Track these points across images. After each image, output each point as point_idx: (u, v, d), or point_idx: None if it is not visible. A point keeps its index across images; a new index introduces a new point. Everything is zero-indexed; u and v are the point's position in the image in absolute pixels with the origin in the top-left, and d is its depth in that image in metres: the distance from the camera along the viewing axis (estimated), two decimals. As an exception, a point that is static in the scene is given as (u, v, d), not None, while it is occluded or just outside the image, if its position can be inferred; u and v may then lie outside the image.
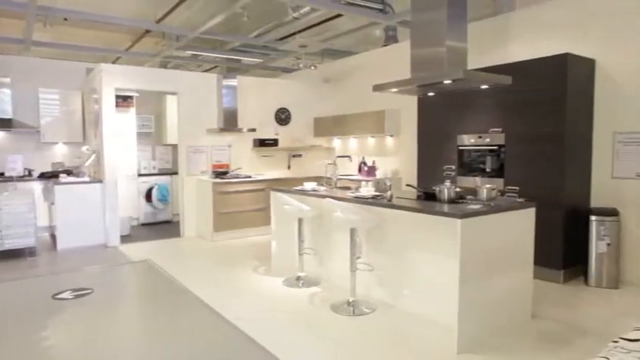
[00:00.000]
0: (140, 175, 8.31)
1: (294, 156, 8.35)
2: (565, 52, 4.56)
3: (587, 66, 4.69)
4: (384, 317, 3.67)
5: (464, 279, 3.04)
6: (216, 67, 10.24)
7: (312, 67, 8.68)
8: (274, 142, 7.85)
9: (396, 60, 6.38)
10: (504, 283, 3.38)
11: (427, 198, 3.78)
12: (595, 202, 4.76)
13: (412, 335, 3.33)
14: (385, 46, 7.62)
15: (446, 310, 3.19)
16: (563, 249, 4.49)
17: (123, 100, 7.79)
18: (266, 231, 6.69)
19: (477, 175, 5.17)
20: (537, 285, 4.33)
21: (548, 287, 4.40)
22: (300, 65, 8.92)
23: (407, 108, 6.68)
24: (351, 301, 3.86)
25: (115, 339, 3.42)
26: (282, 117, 8.19)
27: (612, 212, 4.42)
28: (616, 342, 1.90)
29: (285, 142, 8.11)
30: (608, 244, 4.36)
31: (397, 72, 5.34)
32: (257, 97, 7.89)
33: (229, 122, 7.39)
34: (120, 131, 7.22)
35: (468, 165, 5.35)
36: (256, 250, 6.14)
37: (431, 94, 4.67)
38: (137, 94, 7.97)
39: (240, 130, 7.40)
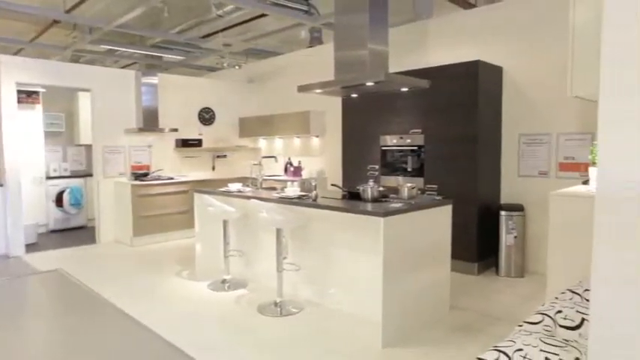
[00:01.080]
0: (49, 177, 7.67)
1: (218, 157, 8.16)
2: (476, 59, 4.89)
3: (495, 72, 5.05)
4: (311, 316, 3.69)
5: (387, 275, 3.14)
6: (134, 63, 9.73)
7: (237, 67, 8.54)
8: (198, 143, 7.61)
9: (320, 61, 6.46)
10: (425, 277, 3.54)
11: (351, 197, 3.87)
12: (504, 198, 5.15)
13: (338, 332, 3.38)
14: (310, 47, 7.69)
15: (371, 306, 3.28)
16: (478, 242, 4.80)
17: (27, 96, 7.15)
18: (190, 234, 6.47)
19: (399, 175, 5.39)
20: (455, 277, 4.59)
21: (465, 279, 4.68)
22: (225, 64, 8.73)
23: (332, 109, 6.79)
24: (278, 301, 3.84)
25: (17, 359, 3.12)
26: (206, 117, 7.97)
27: (519, 208, 4.81)
28: (521, 326, 2.06)
29: (209, 142, 7.89)
30: (515, 237, 4.74)
31: (322, 73, 5.41)
32: (179, 96, 7.61)
33: (149, 122, 7.05)
34: (24, 130, 6.61)
35: (391, 165, 5.55)
36: (180, 254, 5.91)
37: (354, 95, 4.78)
38: (44, 90, 7.35)
39: (161, 130, 7.09)
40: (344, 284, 3.74)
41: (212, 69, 9.80)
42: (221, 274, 4.62)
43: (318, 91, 4.24)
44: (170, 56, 8.95)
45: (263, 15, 6.71)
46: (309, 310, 3.81)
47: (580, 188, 3.38)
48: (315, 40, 7.77)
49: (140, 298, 4.22)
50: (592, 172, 3.30)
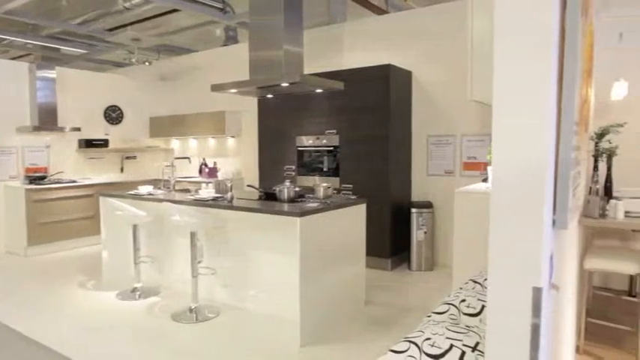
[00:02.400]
0: None
1: (127, 158, 7.68)
2: (388, 63, 5.10)
3: (405, 76, 5.31)
4: (229, 320, 3.61)
5: (304, 274, 3.16)
6: (28, 54, 8.84)
7: (147, 63, 8.11)
8: (104, 143, 7.10)
9: (236, 60, 6.35)
10: (341, 274, 3.61)
11: (268, 198, 3.84)
12: (415, 196, 5.42)
13: (257, 334, 3.34)
14: (225, 45, 7.53)
15: (289, 307, 3.28)
16: (391, 239, 5.01)
17: None
18: (96, 241, 6.03)
19: (315, 175, 5.46)
20: (369, 273, 4.75)
21: (379, 275, 4.86)
22: (133, 60, 8.25)
23: (248, 109, 6.70)
24: (193, 307, 3.70)
25: None
26: (113, 115, 7.48)
27: (428, 205, 5.09)
28: (429, 316, 2.17)
29: (116, 142, 7.40)
30: (425, 233, 5.02)
31: (237, 73, 5.32)
32: (82, 92, 7.05)
33: (47, 120, 6.44)
34: None
35: (308, 165, 5.60)
36: (84, 262, 5.48)
37: (270, 96, 4.77)
38: None
39: (61, 129, 6.51)
40: (262, 286, 3.70)
41: (119, 64, 9.21)
42: (131, 282, 4.35)
43: (233, 90, 4.16)
44: (70, 48, 8.27)
45: (175, 10, 6.45)
46: (226, 314, 3.72)
47: (480, 185, 3.66)
48: (231, 39, 7.63)
49: (38, 315, 3.84)
50: (489, 170, 3.59)
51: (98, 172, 7.22)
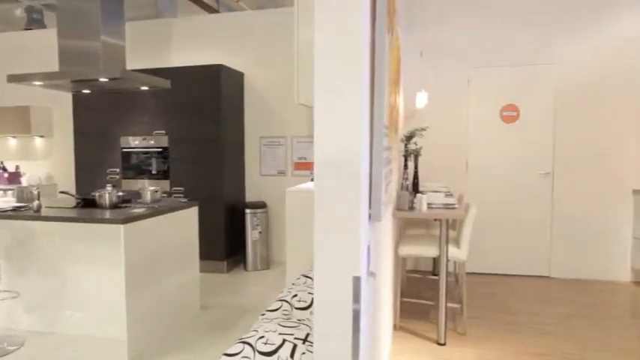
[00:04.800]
0: None
1: None
2: (220, 63, 5.03)
3: (237, 78, 5.30)
4: (37, 349, 3.11)
5: (131, 286, 2.91)
6: None
7: None
8: None
9: (42, 48, 5.52)
10: (173, 282, 3.43)
11: (86, 205, 3.43)
12: (249, 197, 5.46)
13: (75, 360, 2.95)
14: (27, 30, 6.48)
15: (114, 324, 2.98)
16: (226, 241, 4.95)
17: None
18: None
19: (144, 178, 5.08)
20: (205, 278, 4.63)
21: (215, 278, 4.76)
22: None
23: (61, 105, 5.89)
24: (-12, 340, 3.09)
25: None
26: None
27: (262, 205, 5.17)
28: (263, 314, 2.20)
29: None
30: (260, 232, 5.09)
31: (45, 62, 4.63)
32: None
33: None
34: None
35: (136, 167, 5.18)
36: None
37: (87, 91, 4.26)
38: None
39: None
40: (81, 304, 3.29)
41: None
42: None
43: (39, 83, 3.60)
44: None
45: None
46: (33, 342, 3.20)
47: (309, 184, 3.86)
48: (35, 22, 6.60)
49: None
50: (318, 170, 3.81)
51: None
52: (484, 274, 5.00)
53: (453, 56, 5.00)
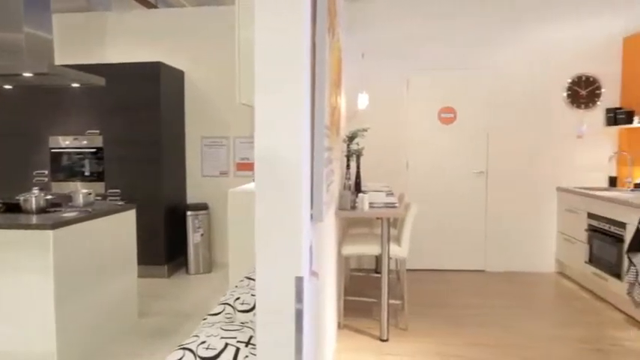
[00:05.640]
0: None
1: None
2: (158, 60, 4.85)
3: (178, 76, 5.14)
4: (-45, 368, 2.86)
5: (61, 296, 2.74)
6: None
7: None
8: None
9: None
10: (109, 289, 3.26)
11: (9, 210, 3.18)
12: (190, 198, 5.32)
13: (-2, 378, 2.74)
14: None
15: (42, 337, 2.79)
16: (166, 245, 4.79)
17: None
18: None
19: (76, 180, 4.82)
20: (144, 283, 4.45)
21: (155, 283, 4.59)
22: None
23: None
24: None
25: None
26: None
27: (204, 206, 5.05)
28: (205, 319, 2.15)
29: None
30: (202, 235, 4.97)
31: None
32: None
33: None
34: None
35: (67, 169, 4.88)
36: None
37: (8, 86, 3.96)
38: None
39: None
40: (7, 317, 3.04)
41: None
42: None
43: (-48, 77, 3.30)
44: None
45: None
46: (-50, 360, 2.93)
47: (251, 185, 3.82)
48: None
49: None
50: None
51: None
52: (424, 270, 5.18)
53: (393, 59, 5.14)
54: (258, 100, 1.41)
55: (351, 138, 4.08)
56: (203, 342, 1.81)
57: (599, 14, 4.89)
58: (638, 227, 3.47)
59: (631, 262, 3.50)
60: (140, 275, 3.73)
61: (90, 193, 3.38)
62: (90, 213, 3.07)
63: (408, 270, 5.08)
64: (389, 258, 3.35)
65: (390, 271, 3.40)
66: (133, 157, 4.71)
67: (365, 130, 4.19)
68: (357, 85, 5.12)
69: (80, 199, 3.30)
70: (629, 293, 3.56)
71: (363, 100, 5.02)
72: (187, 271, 4.96)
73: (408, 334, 3.43)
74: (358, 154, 4.11)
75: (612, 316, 3.77)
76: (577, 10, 4.90)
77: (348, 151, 4.08)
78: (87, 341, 3.01)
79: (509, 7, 4.97)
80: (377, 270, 5.04)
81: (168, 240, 4.84)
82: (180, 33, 5.24)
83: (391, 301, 3.50)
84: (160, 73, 4.69)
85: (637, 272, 3.45)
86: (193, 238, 4.91)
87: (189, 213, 4.91)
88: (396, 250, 3.45)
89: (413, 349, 3.20)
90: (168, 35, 5.26)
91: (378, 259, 4.98)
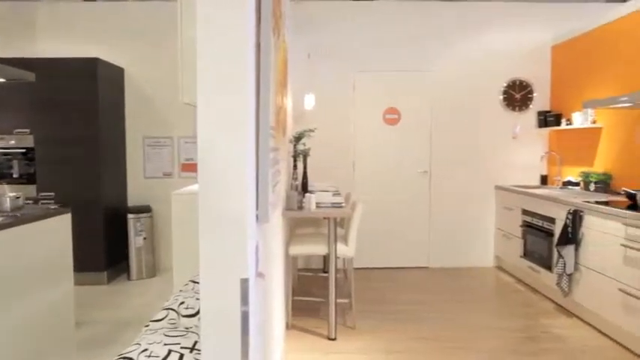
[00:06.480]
0: None
1: None
2: (96, 56, 4.62)
3: (117, 73, 4.92)
4: None
5: (-13, 307, 2.54)
6: None
7: None
8: None
9: None
10: (41, 299, 3.07)
11: None
12: (132, 201, 5.10)
13: None
14: None
15: (-36, 352, 2.57)
16: (105, 250, 4.57)
17: None
18: None
19: (2, 183, 4.48)
20: (81, 291, 4.23)
21: (93, 290, 4.36)
22: None
23: None
24: None
25: None
26: None
27: (146, 209, 4.87)
28: (147, 325, 2.08)
29: None
30: (145, 238, 4.79)
31: None
32: None
33: None
34: None
35: (-9, 171, 4.54)
36: None
37: None
38: None
39: None
40: None
41: None
42: None
43: None
44: None
45: None
46: None
47: (196, 187, 3.73)
48: None
49: None
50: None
51: None
52: (371, 268, 5.28)
53: (339, 60, 5.20)
54: (201, 100, 1.38)
55: (297, 138, 4.09)
56: (145, 350, 1.74)
57: (531, 24, 5.20)
58: (565, 222, 3.72)
59: (560, 255, 3.75)
60: (77, 283, 3.54)
61: (19, 197, 3.15)
62: (18, 218, 2.87)
63: (355, 269, 5.16)
64: (336, 257, 3.38)
65: (337, 270, 3.44)
66: (68, 158, 4.46)
67: (312, 130, 4.20)
68: (304, 86, 5.14)
69: (7, 203, 3.07)
70: (558, 284, 3.82)
71: (309, 101, 5.04)
72: (129, 277, 4.76)
73: (355, 333, 3.48)
74: (305, 155, 4.12)
75: (544, 306, 4.02)
76: (511, 19, 5.19)
77: (295, 151, 4.08)
78: (16, 357, 2.81)
79: (450, 15, 5.17)
80: (325, 269, 5.07)
81: (108, 245, 4.62)
82: (120, 28, 5.02)
83: (339, 300, 3.54)
84: (98, 70, 4.48)
85: (565, 264, 3.70)
86: (135, 242, 4.72)
87: (130, 216, 4.71)
88: (343, 250, 3.50)
89: (360, 346, 3.25)
90: (108, 30, 5.02)
91: (325, 259, 5.02)
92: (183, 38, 2.89)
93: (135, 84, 5.07)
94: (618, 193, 3.93)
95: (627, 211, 3.14)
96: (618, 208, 3.27)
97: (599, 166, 4.38)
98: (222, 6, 1.35)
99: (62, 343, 3.23)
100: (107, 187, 4.63)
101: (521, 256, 4.62)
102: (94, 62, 4.47)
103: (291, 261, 3.69)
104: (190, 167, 5.08)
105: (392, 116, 5.25)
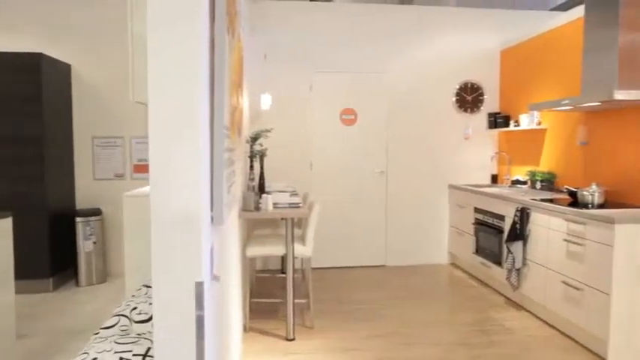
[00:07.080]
0: None
1: None
2: (39, 52, 4.39)
3: (63, 70, 4.69)
4: None
5: None
6: None
7: None
8: None
9: None
10: (-20, 309, 2.87)
11: None
12: (80, 203, 4.88)
13: None
14: None
15: None
16: (51, 255, 4.34)
17: None
18: None
19: None
20: (24, 300, 4.00)
21: (37, 299, 4.14)
22: None
23: None
24: None
25: None
26: None
27: (96, 212, 4.67)
28: (97, 333, 1.99)
29: None
30: (95, 243, 4.59)
31: None
32: None
33: None
34: None
35: None
36: None
37: None
38: None
39: None
40: None
41: None
42: None
43: None
44: None
45: None
46: None
47: (149, 188, 3.61)
48: None
49: None
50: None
51: None
52: (328, 268, 5.31)
53: (296, 60, 5.20)
54: (153, 99, 1.34)
55: (254, 139, 4.05)
56: (94, 359, 1.67)
57: (482, 29, 5.40)
58: (514, 219, 3.89)
59: (509, 251, 3.91)
60: (19, 291, 3.35)
61: (-46, 201, 2.94)
62: (-46, 223, 2.68)
63: (312, 268, 5.17)
64: (294, 258, 3.38)
65: (295, 271, 3.43)
66: (8, 158, 4.21)
67: (268, 130, 4.18)
68: (261, 86, 5.10)
69: (-59, 208, 2.86)
70: (508, 278, 3.98)
71: (266, 101, 5.00)
72: (77, 283, 4.55)
73: (313, 332, 3.49)
74: (262, 155, 4.09)
75: (495, 300, 4.19)
76: (463, 25, 5.36)
77: (252, 151, 4.04)
78: (-48, 370, 2.62)
79: (406, 18, 5.28)
80: (283, 270, 5.05)
81: (54, 250, 4.40)
82: (66, 22, 4.79)
83: (297, 301, 3.53)
84: (42, 66, 4.25)
85: (514, 259, 3.87)
86: (84, 246, 4.52)
87: (78, 219, 4.51)
88: (301, 250, 3.49)
89: (318, 346, 3.26)
90: (53, 24, 4.77)
91: (283, 259, 5.00)
92: (133, 35, 2.79)
93: (83, 81, 4.85)
94: (562, 191, 4.15)
95: (568, 208, 3.31)
96: (561, 205, 3.45)
97: (545, 165, 4.61)
98: (173, 3, 1.32)
99: (3, 357, 3.04)
100: (53, 189, 4.40)
101: (473, 253, 4.79)
102: (37, 57, 4.25)
103: (248, 262, 3.65)
104: (143, 169, 4.92)
105: (349, 117, 5.30)
